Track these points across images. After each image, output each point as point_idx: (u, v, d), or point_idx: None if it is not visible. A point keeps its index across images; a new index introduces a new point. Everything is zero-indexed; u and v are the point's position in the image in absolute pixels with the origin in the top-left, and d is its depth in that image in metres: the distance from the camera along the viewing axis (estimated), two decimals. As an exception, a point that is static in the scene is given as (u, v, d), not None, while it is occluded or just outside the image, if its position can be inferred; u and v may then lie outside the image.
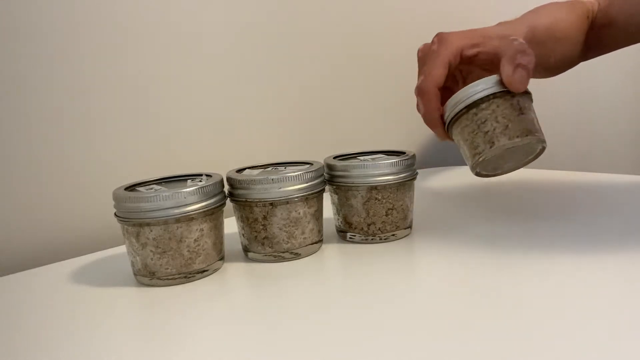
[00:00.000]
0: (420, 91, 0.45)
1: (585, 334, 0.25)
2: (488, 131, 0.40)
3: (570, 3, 0.58)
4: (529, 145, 0.41)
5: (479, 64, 0.47)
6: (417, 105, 0.46)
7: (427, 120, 0.45)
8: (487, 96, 0.40)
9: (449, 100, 0.42)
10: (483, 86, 0.40)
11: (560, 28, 0.56)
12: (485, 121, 0.40)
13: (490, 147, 0.40)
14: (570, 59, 0.58)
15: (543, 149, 0.42)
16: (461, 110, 0.41)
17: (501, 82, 0.40)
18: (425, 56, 0.47)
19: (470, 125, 0.41)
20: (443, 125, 0.44)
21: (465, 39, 0.46)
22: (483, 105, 0.40)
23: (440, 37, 0.46)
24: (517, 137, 0.39)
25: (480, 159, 0.41)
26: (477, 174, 0.44)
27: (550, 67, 0.58)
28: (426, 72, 0.45)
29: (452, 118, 0.42)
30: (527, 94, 0.42)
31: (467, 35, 0.47)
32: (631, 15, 0.58)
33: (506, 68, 0.41)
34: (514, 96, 0.40)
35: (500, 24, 0.53)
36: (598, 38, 0.59)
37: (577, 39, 0.57)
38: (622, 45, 0.62)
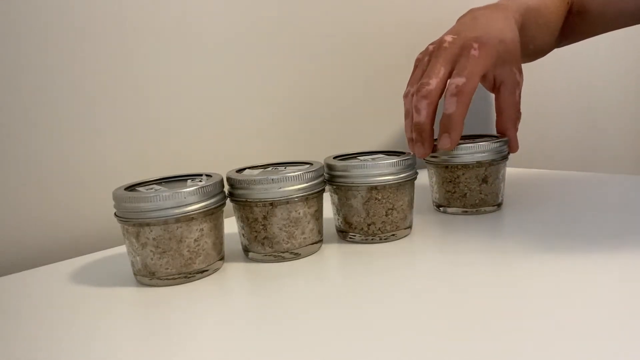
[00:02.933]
0: (461, 91, 0.44)
1: (587, 334, 0.25)
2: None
3: None
4: None
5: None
6: (445, 106, 0.45)
7: (456, 120, 0.44)
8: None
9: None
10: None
11: (544, 14, 0.56)
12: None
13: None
14: (547, 46, 0.58)
15: None
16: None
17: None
18: (458, 51, 0.46)
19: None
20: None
21: (497, 59, 0.47)
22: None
23: (481, 44, 0.46)
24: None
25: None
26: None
27: (528, 54, 0.58)
28: (468, 76, 0.44)
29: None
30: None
31: (499, 54, 0.47)
32: (605, 4, 0.58)
33: (511, 132, 0.49)
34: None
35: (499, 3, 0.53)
36: (572, 26, 0.59)
37: (556, 26, 0.57)
38: (594, 33, 0.62)
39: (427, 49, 0.50)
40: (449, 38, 0.47)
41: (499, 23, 0.49)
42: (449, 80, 0.46)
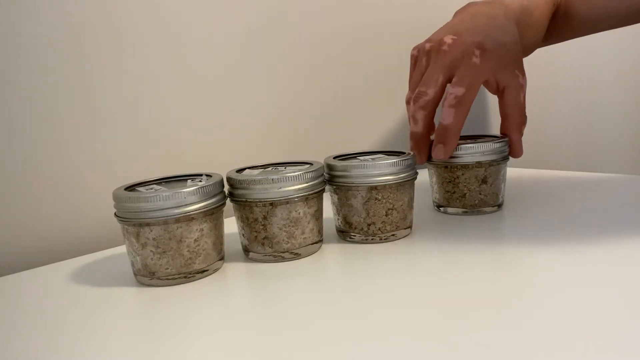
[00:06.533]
0: (459, 102, 0.44)
1: (587, 334, 0.25)
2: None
3: None
4: None
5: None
6: (443, 116, 0.44)
7: (452, 132, 0.44)
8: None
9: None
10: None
11: (534, 15, 0.55)
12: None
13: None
14: (533, 45, 0.57)
15: None
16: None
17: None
18: (458, 56, 0.45)
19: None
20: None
21: (498, 64, 0.46)
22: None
23: (482, 51, 0.45)
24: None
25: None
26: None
27: None
28: (468, 87, 0.44)
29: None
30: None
31: (500, 59, 0.46)
32: (591, 8, 0.58)
33: (516, 137, 0.49)
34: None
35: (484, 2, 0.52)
36: (558, 27, 0.59)
37: (543, 27, 0.57)
38: (579, 35, 0.62)
39: (423, 46, 0.49)
40: (448, 40, 0.46)
41: (499, 23, 0.48)
42: (448, 88, 0.45)
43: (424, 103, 0.45)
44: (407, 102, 0.49)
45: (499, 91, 0.49)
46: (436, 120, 0.48)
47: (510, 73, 0.47)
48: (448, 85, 0.46)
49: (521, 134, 0.49)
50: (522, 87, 0.48)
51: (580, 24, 0.59)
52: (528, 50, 0.58)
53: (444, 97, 0.46)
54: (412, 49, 0.52)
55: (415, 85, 0.48)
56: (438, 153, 0.45)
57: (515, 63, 0.48)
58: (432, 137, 0.47)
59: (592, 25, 0.59)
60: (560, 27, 0.59)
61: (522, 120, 0.49)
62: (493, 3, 0.52)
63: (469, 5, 0.53)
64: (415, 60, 0.51)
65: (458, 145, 0.47)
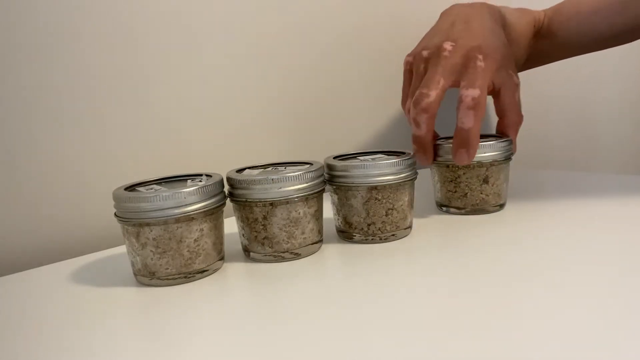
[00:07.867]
0: (478, 104, 0.43)
1: (588, 335, 0.25)
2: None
3: (520, 9, 0.59)
4: None
5: None
6: (462, 120, 0.44)
7: (474, 135, 0.43)
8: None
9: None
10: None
11: (516, 29, 0.56)
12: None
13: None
14: (517, 62, 0.58)
15: None
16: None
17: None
18: (460, 61, 0.45)
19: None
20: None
21: (495, 66, 0.46)
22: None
23: (485, 55, 0.45)
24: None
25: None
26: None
27: None
28: (481, 88, 0.44)
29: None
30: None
31: (496, 62, 0.46)
32: (576, 28, 0.58)
33: (512, 136, 0.49)
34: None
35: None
36: (539, 49, 0.60)
37: (524, 45, 0.57)
38: (561, 57, 0.63)
39: (420, 53, 0.49)
40: (447, 46, 0.46)
41: (490, 26, 0.49)
42: (462, 92, 0.44)
43: (427, 105, 0.44)
44: (404, 106, 0.49)
45: (494, 92, 0.49)
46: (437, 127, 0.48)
47: (505, 73, 0.48)
48: (457, 89, 0.46)
49: (517, 133, 0.50)
50: (516, 86, 0.49)
51: (561, 46, 0.60)
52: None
53: (459, 100, 0.46)
54: (406, 56, 0.52)
55: (414, 90, 0.48)
56: (462, 159, 0.44)
57: (509, 64, 0.49)
58: (438, 142, 0.48)
59: (573, 46, 0.60)
60: (541, 49, 0.60)
61: (519, 119, 0.50)
62: (480, 6, 0.52)
63: (453, 7, 0.53)
64: (410, 67, 0.51)
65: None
